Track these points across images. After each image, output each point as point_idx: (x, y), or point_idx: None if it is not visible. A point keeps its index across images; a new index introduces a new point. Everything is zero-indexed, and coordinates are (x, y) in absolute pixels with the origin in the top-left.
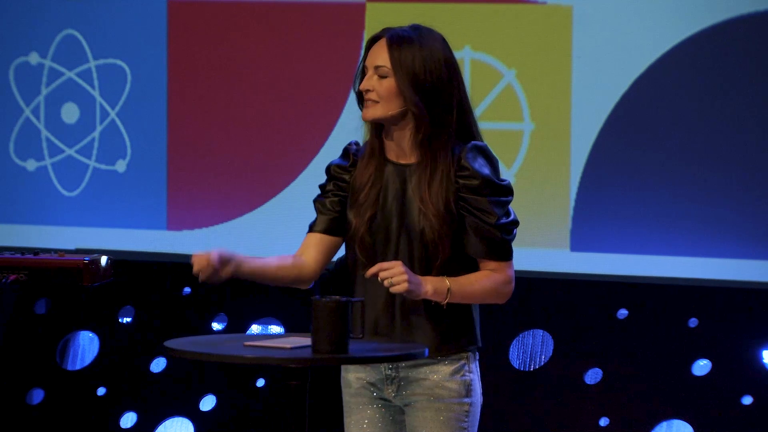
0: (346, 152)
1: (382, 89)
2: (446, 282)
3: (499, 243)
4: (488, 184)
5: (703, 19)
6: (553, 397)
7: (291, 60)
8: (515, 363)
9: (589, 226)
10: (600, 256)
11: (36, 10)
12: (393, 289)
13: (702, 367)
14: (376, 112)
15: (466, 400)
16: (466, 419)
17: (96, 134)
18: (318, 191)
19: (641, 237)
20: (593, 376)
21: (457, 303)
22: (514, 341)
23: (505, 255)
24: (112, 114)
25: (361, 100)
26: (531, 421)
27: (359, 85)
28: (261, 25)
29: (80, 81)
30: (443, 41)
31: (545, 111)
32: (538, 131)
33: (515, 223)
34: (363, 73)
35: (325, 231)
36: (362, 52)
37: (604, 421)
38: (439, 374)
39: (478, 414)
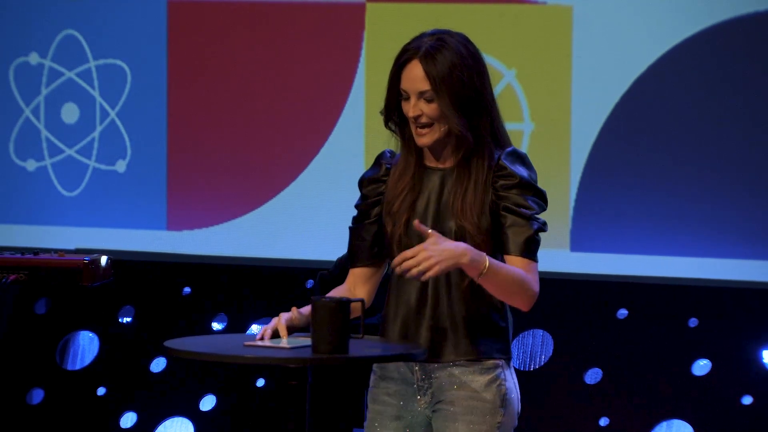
0: (378, 162)
1: (431, 112)
2: (485, 257)
3: (532, 239)
4: (527, 184)
5: (703, 19)
6: (553, 397)
7: (291, 60)
8: (515, 363)
9: (589, 226)
10: (600, 256)
11: (36, 10)
12: (425, 277)
13: (702, 367)
14: (433, 136)
15: (501, 410)
16: (498, 431)
17: (96, 134)
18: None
19: (641, 237)
20: (593, 376)
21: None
22: (514, 341)
23: (534, 254)
24: (112, 114)
25: (389, 119)
26: (531, 421)
27: (408, 112)
28: (261, 24)
29: (80, 81)
30: (467, 42)
31: (545, 111)
32: (538, 131)
33: (545, 224)
34: (392, 95)
35: (371, 262)
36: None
37: (604, 421)
38: (475, 384)
39: (515, 422)
